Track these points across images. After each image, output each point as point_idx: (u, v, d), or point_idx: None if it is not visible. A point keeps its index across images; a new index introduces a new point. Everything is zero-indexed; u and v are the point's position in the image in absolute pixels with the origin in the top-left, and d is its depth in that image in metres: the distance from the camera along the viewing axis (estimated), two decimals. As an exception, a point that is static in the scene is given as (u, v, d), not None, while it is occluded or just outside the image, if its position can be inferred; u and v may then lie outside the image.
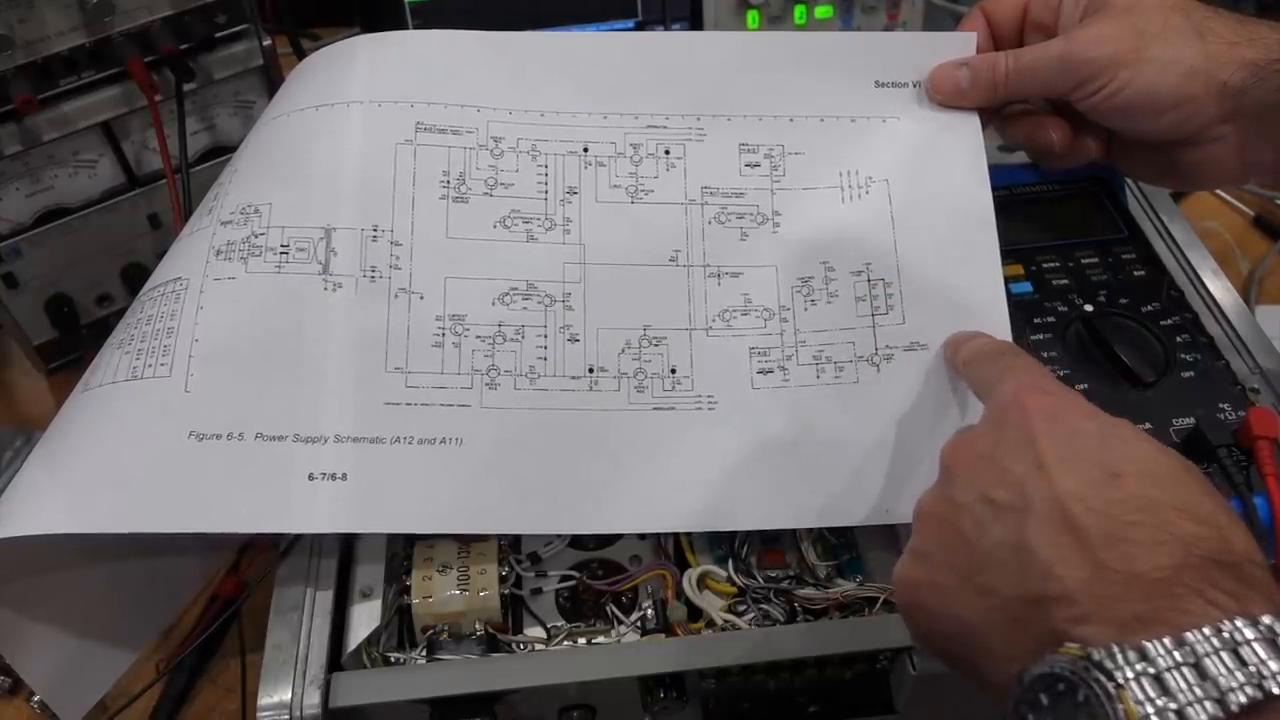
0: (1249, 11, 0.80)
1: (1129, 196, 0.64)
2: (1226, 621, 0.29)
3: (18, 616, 0.52)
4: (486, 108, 0.55)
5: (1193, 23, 0.50)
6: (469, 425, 0.50)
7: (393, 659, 0.50)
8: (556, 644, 0.52)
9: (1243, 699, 0.27)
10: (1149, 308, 0.56)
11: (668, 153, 0.55)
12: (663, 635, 0.50)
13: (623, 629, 0.52)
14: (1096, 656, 0.29)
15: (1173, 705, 0.28)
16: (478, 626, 0.50)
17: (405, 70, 0.55)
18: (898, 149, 0.55)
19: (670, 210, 0.54)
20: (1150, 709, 0.28)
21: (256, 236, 0.52)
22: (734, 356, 0.53)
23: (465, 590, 0.51)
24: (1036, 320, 0.55)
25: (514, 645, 0.51)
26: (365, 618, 0.50)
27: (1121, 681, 0.28)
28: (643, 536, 0.55)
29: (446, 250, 0.53)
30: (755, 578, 0.53)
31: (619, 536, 0.55)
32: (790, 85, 0.56)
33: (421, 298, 0.52)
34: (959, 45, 0.56)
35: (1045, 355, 0.54)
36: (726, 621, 0.51)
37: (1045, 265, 0.58)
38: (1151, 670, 0.28)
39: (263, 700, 0.46)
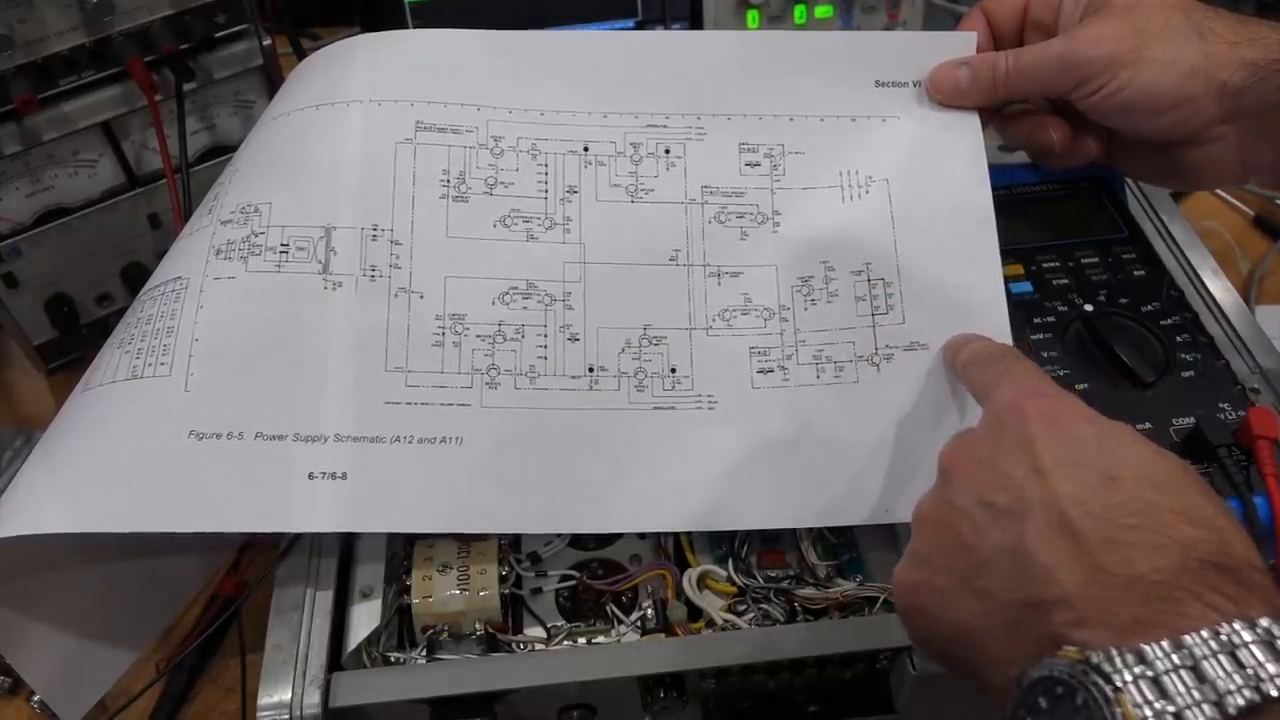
0: (1249, 11, 0.80)
1: (1129, 196, 0.64)
2: (1224, 624, 0.29)
3: (18, 616, 0.52)
4: (486, 107, 0.55)
5: (1193, 22, 0.50)
6: (469, 425, 0.50)
7: (393, 659, 0.50)
8: (556, 644, 0.52)
9: (1240, 701, 0.27)
10: (1149, 308, 0.56)
11: (668, 152, 0.55)
12: (663, 635, 0.50)
13: (623, 629, 0.52)
14: (1095, 660, 0.29)
15: (1171, 708, 0.28)
16: (478, 626, 0.50)
17: (405, 70, 0.55)
18: (898, 148, 0.55)
19: (670, 209, 0.54)
20: (1148, 712, 0.28)
21: (256, 236, 0.52)
22: (734, 356, 0.53)
23: (465, 590, 0.51)
24: (1036, 320, 0.55)
25: (514, 645, 0.51)
26: (365, 617, 0.50)
27: (1120, 685, 0.28)
28: (643, 536, 0.55)
29: (446, 249, 0.53)
30: (755, 577, 0.53)
31: (619, 536, 0.55)
32: (790, 85, 0.56)
33: (421, 297, 0.52)
34: (959, 45, 0.56)
35: (1045, 355, 0.54)
36: (726, 621, 0.51)
37: (1045, 265, 0.58)
38: (1150, 673, 0.28)
39: (263, 700, 0.46)
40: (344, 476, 0.49)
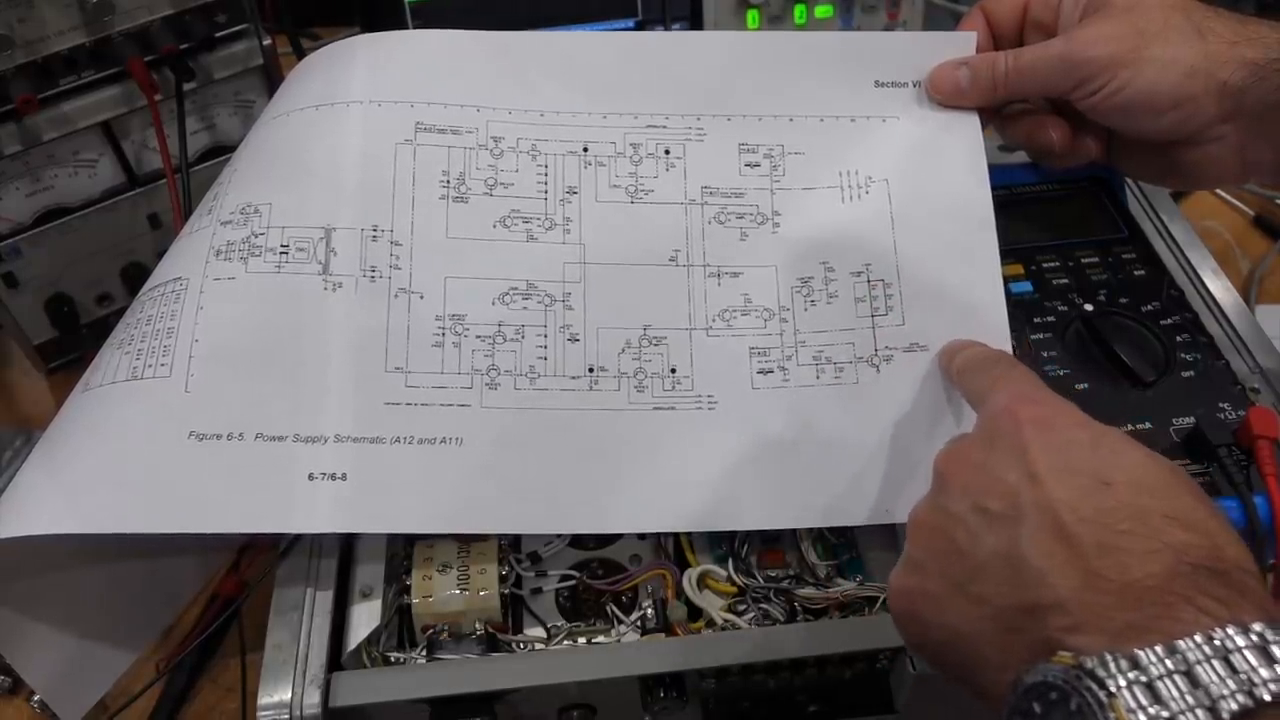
0: (1249, 11, 0.80)
1: (1129, 196, 0.64)
2: (1218, 629, 0.29)
3: (18, 616, 0.52)
4: (486, 107, 0.55)
5: (1193, 22, 0.50)
6: (469, 425, 0.50)
7: (393, 659, 0.50)
8: (556, 644, 0.52)
9: (1234, 706, 0.27)
10: (1149, 307, 0.56)
11: (667, 152, 0.55)
12: (663, 635, 0.51)
13: (623, 629, 0.52)
14: (1089, 665, 0.29)
15: (1164, 713, 0.28)
16: (478, 626, 0.50)
17: (405, 70, 0.55)
18: (897, 149, 0.55)
19: (670, 210, 0.54)
20: (1143, 717, 0.28)
21: (256, 236, 0.52)
22: (734, 356, 0.53)
23: (465, 590, 0.51)
24: (1036, 320, 0.55)
25: (514, 645, 0.51)
26: (365, 617, 0.50)
27: (1114, 690, 0.28)
28: (642, 536, 0.55)
29: (446, 250, 0.53)
30: (755, 577, 0.53)
31: (619, 536, 0.55)
32: (790, 85, 0.56)
33: (421, 297, 0.52)
34: (959, 45, 0.56)
35: (1045, 355, 0.54)
36: (726, 621, 0.51)
37: (1045, 265, 0.58)
38: (1144, 678, 0.28)
39: (263, 700, 0.46)
40: (344, 477, 0.49)
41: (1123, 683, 0.28)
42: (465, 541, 0.52)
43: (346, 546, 0.52)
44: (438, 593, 0.50)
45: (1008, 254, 0.54)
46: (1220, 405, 0.52)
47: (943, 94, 0.55)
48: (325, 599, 0.50)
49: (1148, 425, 0.51)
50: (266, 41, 0.71)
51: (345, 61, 0.56)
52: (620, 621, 0.52)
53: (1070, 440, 0.36)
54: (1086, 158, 0.56)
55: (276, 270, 0.51)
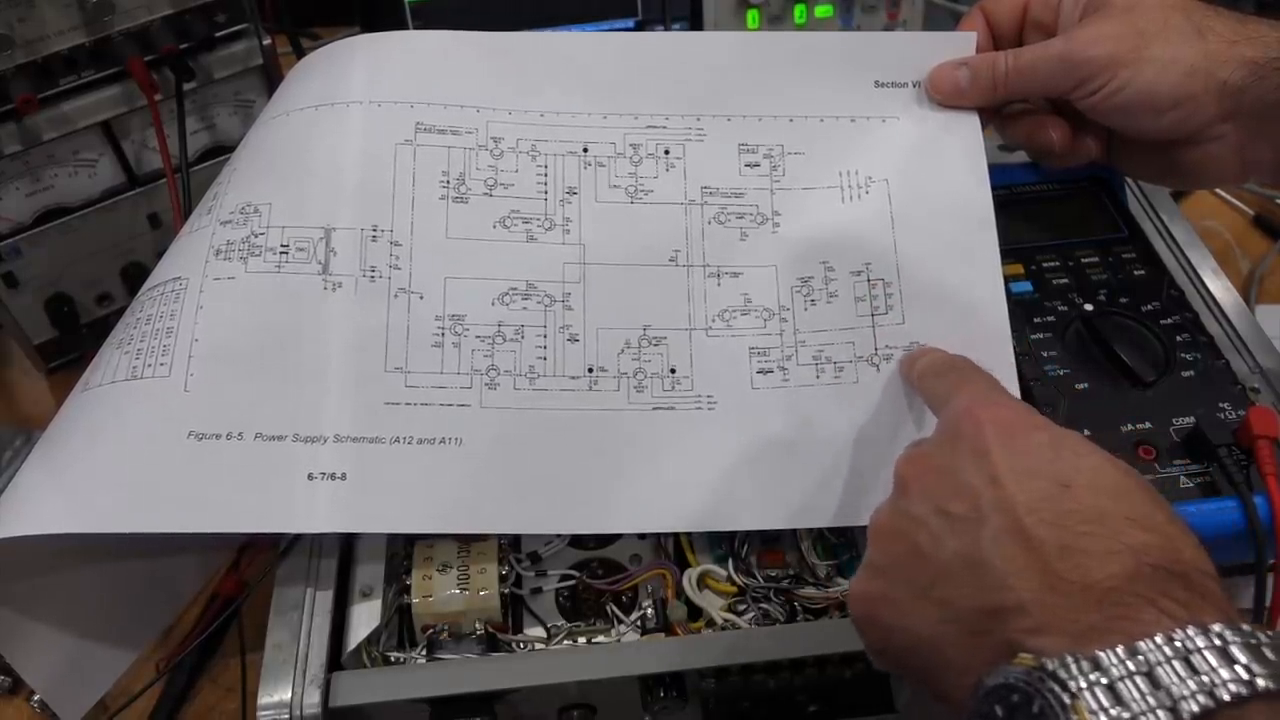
0: (1249, 10, 0.80)
1: (1129, 196, 0.64)
2: (1178, 630, 0.29)
3: (18, 616, 0.52)
4: (486, 108, 0.55)
5: (1192, 22, 0.50)
6: (469, 425, 0.50)
7: (393, 658, 0.50)
8: (556, 643, 0.52)
9: (1194, 708, 0.28)
10: (1149, 307, 0.56)
11: (667, 153, 0.55)
12: (663, 635, 0.51)
13: (623, 628, 0.52)
14: (1050, 666, 0.29)
15: (1126, 714, 0.28)
16: (478, 626, 0.50)
17: (405, 70, 0.55)
18: (897, 149, 0.55)
19: (670, 210, 0.54)
20: (1104, 718, 0.28)
21: (256, 236, 0.52)
22: (734, 356, 0.53)
23: (465, 590, 0.51)
24: (1036, 320, 0.55)
25: (514, 645, 0.51)
26: (365, 617, 0.50)
27: (1075, 691, 0.29)
28: (642, 536, 0.55)
29: (446, 250, 0.53)
30: (755, 577, 0.53)
31: (619, 536, 0.55)
32: (790, 85, 0.56)
33: (421, 298, 0.52)
34: (958, 45, 0.56)
35: (1045, 355, 0.54)
36: (726, 621, 0.51)
37: (1045, 265, 0.58)
38: (1105, 680, 0.29)
39: (263, 699, 0.46)
40: (344, 477, 0.49)
41: (1084, 684, 0.29)
42: (465, 541, 0.52)
43: (346, 546, 0.52)
44: (438, 592, 0.50)
45: (1008, 254, 0.54)
46: (1220, 405, 0.52)
47: (942, 94, 0.55)
48: (325, 599, 0.50)
49: (1148, 425, 0.51)
50: (266, 41, 0.71)
51: (345, 61, 0.56)
52: (620, 621, 0.52)
53: (1031, 443, 0.36)
54: (1086, 157, 0.56)
55: (276, 270, 0.51)
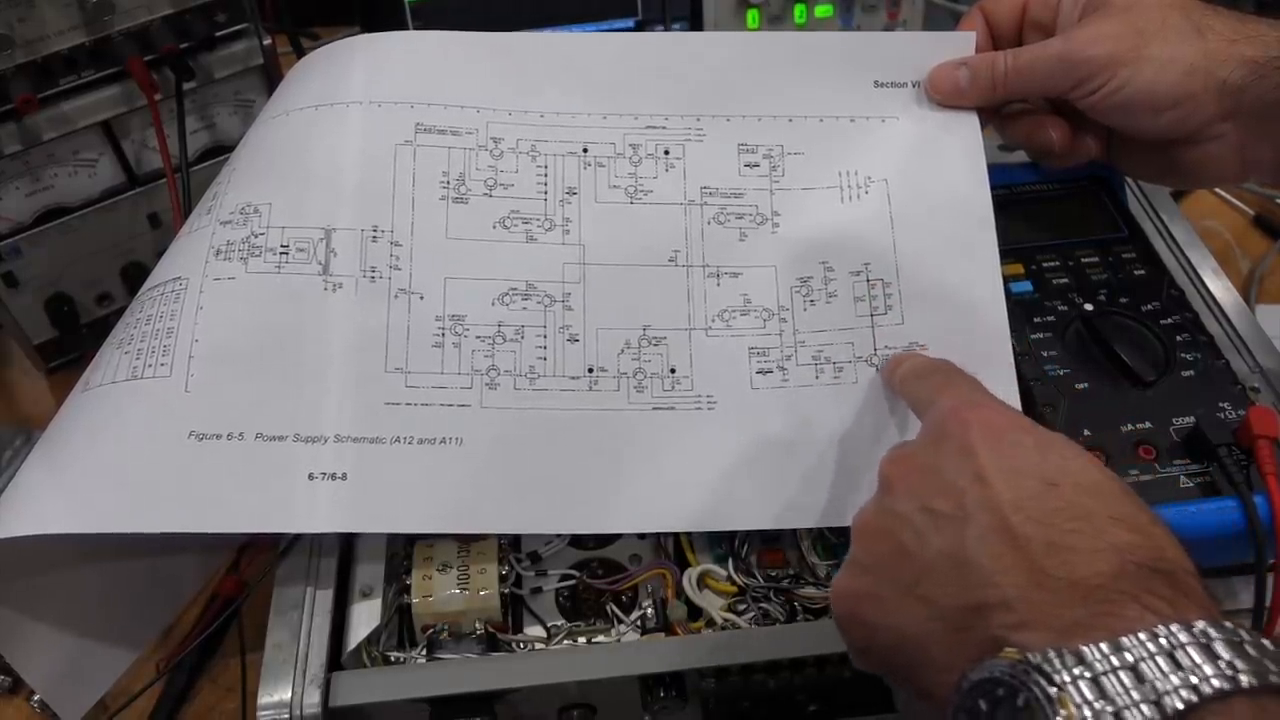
0: (1248, 9, 0.80)
1: (1129, 196, 0.64)
2: (1162, 626, 0.29)
3: (18, 616, 0.52)
4: (486, 108, 0.55)
5: (1192, 21, 0.50)
6: (469, 425, 0.50)
7: (393, 658, 0.50)
8: (556, 643, 0.52)
9: (1178, 703, 0.28)
10: (1149, 307, 0.56)
11: (667, 153, 0.55)
12: (663, 634, 0.51)
13: (623, 628, 0.52)
14: (1035, 660, 0.30)
15: (1110, 708, 0.28)
16: (478, 626, 0.50)
17: (405, 71, 0.55)
18: (897, 149, 0.55)
19: (669, 210, 0.54)
20: (1088, 712, 0.28)
21: (256, 236, 0.52)
22: (733, 356, 0.53)
23: (465, 589, 0.51)
24: (1036, 320, 0.55)
25: (514, 644, 0.51)
26: (365, 617, 0.50)
27: (1060, 684, 0.29)
28: (642, 536, 0.55)
29: (446, 250, 0.53)
30: (755, 577, 0.53)
31: (619, 536, 0.55)
32: (789, 85, 0.56)
33: (421, 298, 0.52)
34: (958, 45, 0.56)
35: (1045, 355, 0.54)
36: (726, 621, 0.51)
37: (1045, 264, 0.58)
38: (1089, 674, 0.29)
39: (263, 699, 0.46)
40: (344, 477, 0.49)
41: (1069, 677, 0.29)
42: (465, 541, 0.52)
43: (346, 546, 0.53)
44: (438, 592, 0.50)
45: (1008, 254, 0.54)
46: (1220, 405, 0.52)
47: (942, 94, 0.55)
48: (325, 599, 0.50)
49: (1148, 425, 0.51)
50: (266, 41, 0.71)
51: (344, 61, 0.56)
52: (620, 621, 0.52)
53: (1017, 443, 0.36)
54: (1086, 157, 0.56)
55: (277, 270, 0.51)
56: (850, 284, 0.53)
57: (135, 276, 0.74)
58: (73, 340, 0.75)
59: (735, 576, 0.53)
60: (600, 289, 0.53)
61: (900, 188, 0.54)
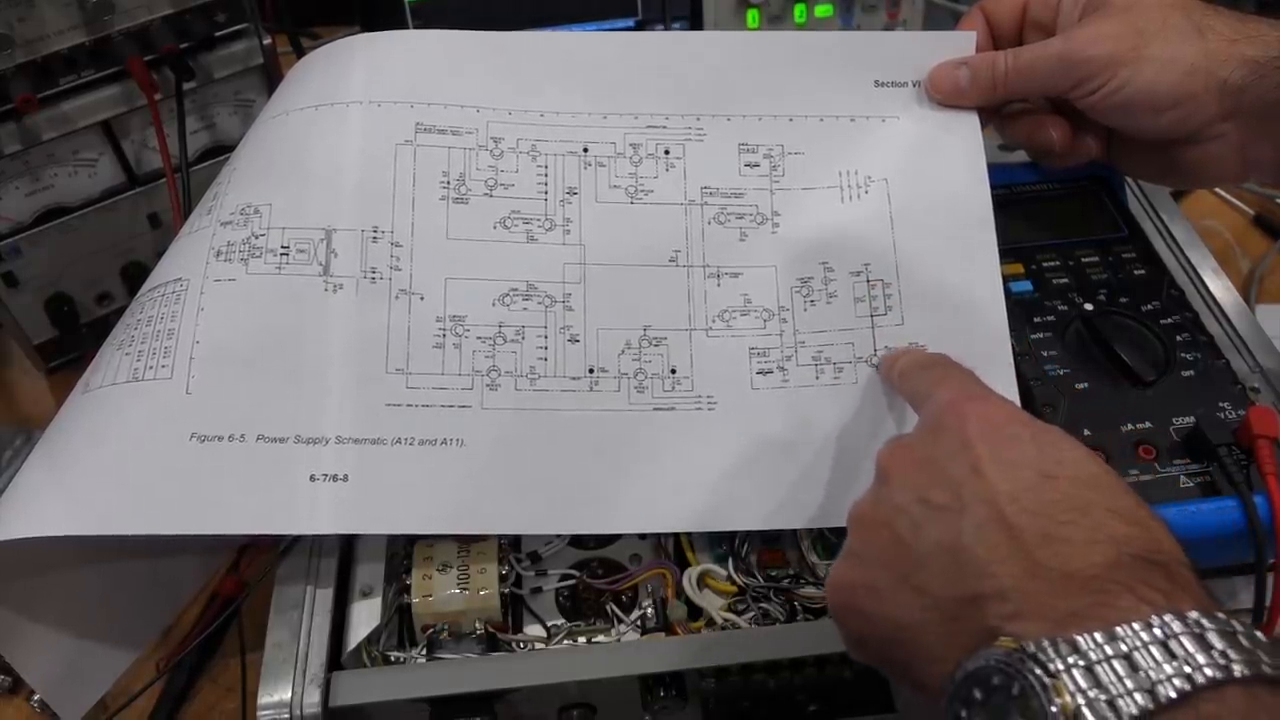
0: (1249, 9, 0.80)
1: (1129, 195, 0.64)
2: (1156, 617, 0.30)
3: (18, 616, 0.52)
4: (486, 108, 0.55)
5: (1192, 21, 0.50)
6: (469, 426, 0.50)
7: (393, 658, 0.50)
8: (556, 643, 0.52)
9: (1171, 691, 0.28)
10: (1149, 307, 0.56)
11: (667, 153, 0.55)
12: (663, 634, 0.51)
13: (623, 628, 0.52)
14: (1030, 649, 0.30)
15: (1104, 696, 0.28)
16: (478, 625, 0.50)
17: (405, 70, 0.55)
18: (897, 149, 0.55)
19: (670, 211, 0.54)
20: (1082, 700, 0.28)
21: (257, 237, 0.52)
22: (734, 357, 0.53)
23: (465, 589, 0.51)
24: (1036, 319, 0.55)
25: (514, 644, 0.51)
26: (365, 617, 0.50)
27: (1054, 672, 0.29)
28: (643, 536, 0.55)
29: (447, 251, 0.53)
30: (755, 577, 0.53)
31: (619, 536, 0.55)
32: (790, 85, 0.56)
33: (422, 299, 0.52)
34: (958, 44, 0.56)
35: (1045, 355, 0.54)
36: (726, 621, 0.51)
37: (1045, 264, 0.58)
38: (1083, 663, 0.29)
39: (263, 699, 0.46)
40: (345, 479, 0.49)
41: (1063, 665, 0.29)
42: (465, 541, 0.52)
43: (346, 546, 0.53)
44: (438, 592, 0.50)
45: (1007, 253, 0.54)
46: (1220, 405, 0.52)
47: (942, 93, 0.55)
48: (325, 598, 0.50)
49: (1148, 425, 0.51)
50: (266, 41, 0.71)
51: (344, 61, 0.56)
52: (620, 621, 0.52)
53: (1014, 436, 0.37)
54: (1086, 157, 0.56)
55: (277, 271, 0.51)
56: (850, 284, 0.53)
57: (135, 276, 0.74)
58: (73, 340, 0.75)
59: (735, 576, 0.53)
60: (601, 289, 0.53)
61: (900, 187, 0.54)
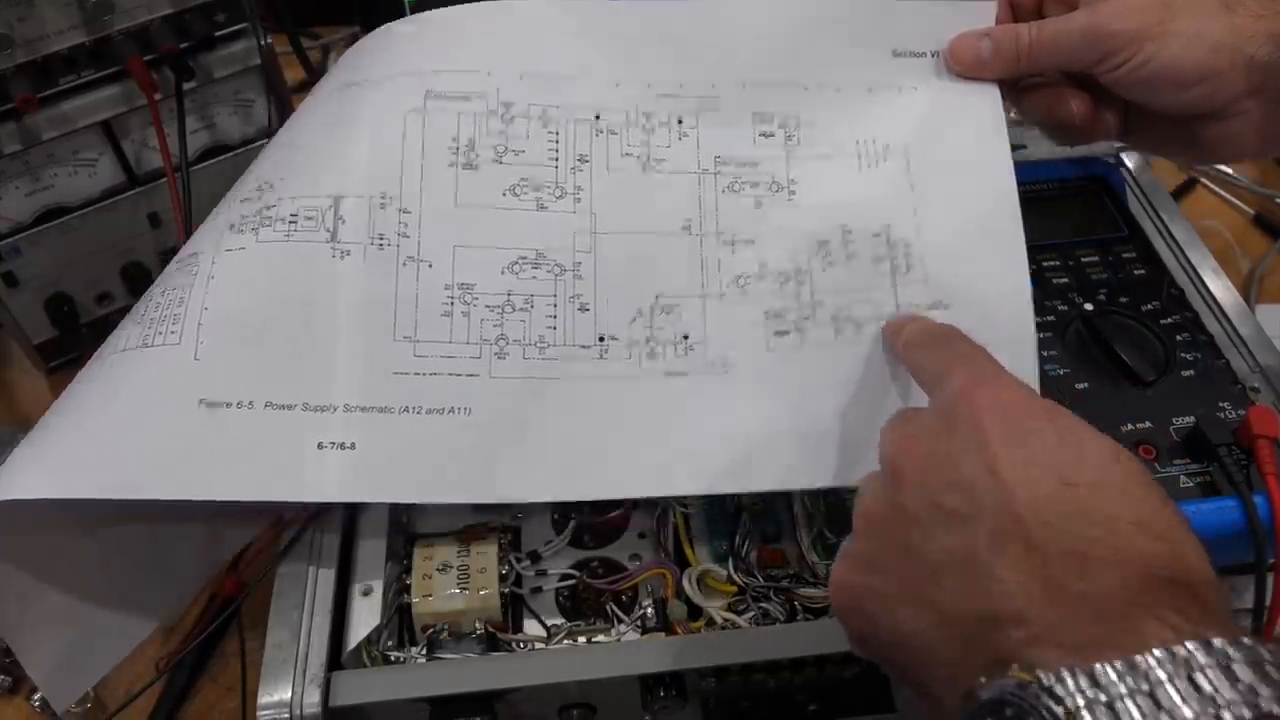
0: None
1: (1129, 195, 0.64)
2: (1180, 646, 0.28)
3: (18, 593, 0.52)
4: (497, 73, 0.54)
5: None
6: (477, 395, 0.50)
7: (393, 658, 0.50)
8: (556, 643, 0.52)
9: None
10: (1149, 306, 0.56)
11: (680, 121, 0.54)
12: (663, 634, 0.51)
13: (623, 628, 0.52)
14: (1046, 682, 0.28)
15: None
16: (478, 625, 0.50)
17: (415, 41, 0.54)
18: (915, 119, 0.54)
19: (683, 179, 0.54)
20: None
21: (268, 209, 0.51)
22: (749, 321, 0.52)
23: (465, 589, 0.51)
24: (1036, 319, 0.55)
25: (514, 644, 0.51)
26: (365, 616, 0.50)
27: (1071, 708, 0.27)
28: (643, 535, 0.55)
29: (455, 218, 0.52)
30: (755, 576, 0.53)
31: (620, 534, 0.55)
32: (805, 54, 0.55)
33: (430, 266, 0.51)
34: (978, 15, 0.54)
35: (1045, 354, 0.54)
36: (726, 620, 0.51)
37: (1045, 264, 0.58)
38: (1104, 698, 0.27)
39: (263, 699, 0.46)
40: (353, 446, 0.48)
41: (1081, 701, 0.27)
42: (465, 540, 0.52)
43: (347, 546, 0.52)
44: (438, 592, 0.50)
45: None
46: (1220, 404, 0.52)
47: (963, 65, 0.53)
48: (325, 598, 0.50)
49: (1148, 425, 0.51)
50: (266, 41, 0.71)
51: (365, 47, 0.56)
52: (620, 621, 0.52)
53: (1033, 431, 0.34)
54: (1105, 133, 0.54)
55: (285, 239, 0.50)
56: (870, 244, 0.52)
57: (135, 276, 0.74)
58: (73, 340, 0.75)
59: (735, 576, 0.53)
60: (611, 258, 0.52)
61: (920, 157, 0.53)
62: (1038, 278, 0.58)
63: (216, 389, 0.48)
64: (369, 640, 0.50)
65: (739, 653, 0.48)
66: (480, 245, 0.52)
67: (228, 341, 0.49)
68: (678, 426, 0.51)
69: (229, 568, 0.63)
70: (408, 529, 0.55)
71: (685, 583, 0.52)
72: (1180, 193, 0.89)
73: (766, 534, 0.55)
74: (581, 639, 0.52)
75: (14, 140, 0.65)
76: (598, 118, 0.54)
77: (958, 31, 0.54)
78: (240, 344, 0.49)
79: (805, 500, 0.56)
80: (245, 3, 0.68)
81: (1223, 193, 0.90)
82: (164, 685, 0.60)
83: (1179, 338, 0.54)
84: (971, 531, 0.33)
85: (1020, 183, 0.62)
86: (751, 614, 0.52)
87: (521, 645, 0.51)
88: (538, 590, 0.54)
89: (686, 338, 0.52)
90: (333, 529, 0.52)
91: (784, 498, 0.56)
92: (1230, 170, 0.91)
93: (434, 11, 0.57)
